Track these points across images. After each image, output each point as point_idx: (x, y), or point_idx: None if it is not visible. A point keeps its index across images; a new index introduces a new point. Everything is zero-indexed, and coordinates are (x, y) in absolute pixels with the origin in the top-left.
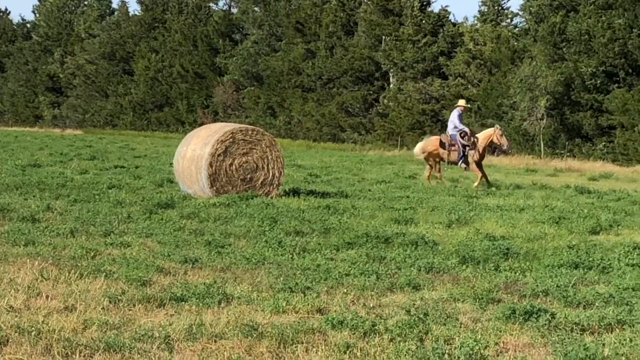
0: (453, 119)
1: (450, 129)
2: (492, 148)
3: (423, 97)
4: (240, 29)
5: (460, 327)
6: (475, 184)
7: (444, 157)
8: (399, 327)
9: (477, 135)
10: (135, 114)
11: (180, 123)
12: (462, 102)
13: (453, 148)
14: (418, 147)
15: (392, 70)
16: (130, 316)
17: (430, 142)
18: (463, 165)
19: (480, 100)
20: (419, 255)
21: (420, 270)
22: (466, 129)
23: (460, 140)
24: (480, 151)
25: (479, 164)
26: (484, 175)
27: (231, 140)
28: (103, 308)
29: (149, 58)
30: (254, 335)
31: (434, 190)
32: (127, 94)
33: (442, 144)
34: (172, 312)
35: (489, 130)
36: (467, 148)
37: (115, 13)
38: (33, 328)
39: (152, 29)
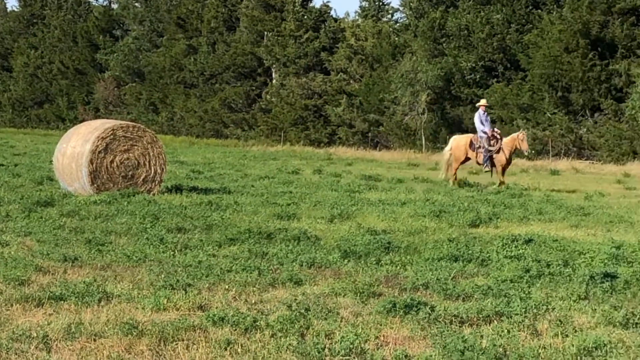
0: (475, 121)
1: (479, 132)
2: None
3: (305, 92)
4: (121, 25)
5: (341, 321)
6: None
7: (472, 158)
8: (280, 322)
9: (503, 139)
10: (14, 111)
11: (60, 120)
12: (483, 102)
13: (480, 150)
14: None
15: (274, 65)
16: (7, 316)
17: (455, 142)
18: (487, 168)
19: (362, 96)
20: (301, 251)
21: (302, 265)
22: (487, 131)
23: (485, 144)
24: (507, 155)
25: (503, 169)
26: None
27: (112, 137)
28: None
29: (28, 54)
30: (134, 333)
31: (316, 185)
32: (6, 90)
33: (471, 145)
34: (50, 311)
35: (514, 135)
36: (492, 151)
37: None
38: None
39: (31, 25)
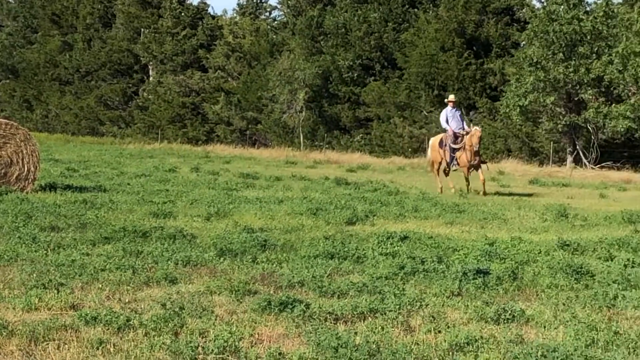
0: (440, 119)
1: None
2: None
3: (183, 90)
4: None
5: (216, 319)
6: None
7: (442, 157)
8: (154, 321)
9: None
10: None
11: None
12: (450, 97)
13: (446, 148)
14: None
15: (151, 63)
16: None
17: (431, 142)
18: (453, 167)
19: (240, 93)
20: (177, 249)
21: (177, 263)
22: (448, 128)
23: (450, 142)
24: (468, 155)
25: (467, 168)
26: (466, 178)
27: (2, 134)
28: None
29: None
30: (4, 333)
31: (193, 183)
32: None
33: (441, 143)
34: None
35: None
36: (455, 150)
37: None
38: None
39: None
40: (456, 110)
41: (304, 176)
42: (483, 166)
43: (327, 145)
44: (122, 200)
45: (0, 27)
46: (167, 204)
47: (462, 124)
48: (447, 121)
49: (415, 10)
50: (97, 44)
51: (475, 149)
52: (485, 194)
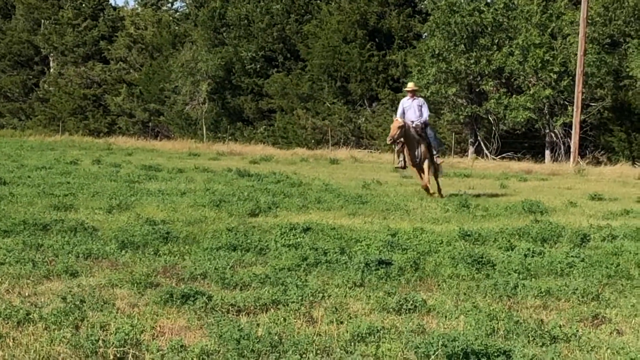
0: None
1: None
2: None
3: (84, 81)
4: None
5: (117, 312)
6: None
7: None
8: (54, 315)
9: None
10: None
11: None
12: (409, 85)
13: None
14: None
15: (52, 54)
16: None
17: None
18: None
19: (142, 85)
20: (78, 242)
21: (78, 256)
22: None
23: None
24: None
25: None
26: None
27: None
28: None
29: None
30: None
31: (95, 175)
32: None
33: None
34: None
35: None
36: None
37: None
38: None
39: None
40: (414, 99)
41: (207, 168)
42: (426, 164)
43: (230, 137)
44: (22, 193)
45: None
46: (68, 196)
47: (422, 115)
48: (403, 113)
49: (318, 1)
50: None
51: (390, 141)
52: (436, 194)
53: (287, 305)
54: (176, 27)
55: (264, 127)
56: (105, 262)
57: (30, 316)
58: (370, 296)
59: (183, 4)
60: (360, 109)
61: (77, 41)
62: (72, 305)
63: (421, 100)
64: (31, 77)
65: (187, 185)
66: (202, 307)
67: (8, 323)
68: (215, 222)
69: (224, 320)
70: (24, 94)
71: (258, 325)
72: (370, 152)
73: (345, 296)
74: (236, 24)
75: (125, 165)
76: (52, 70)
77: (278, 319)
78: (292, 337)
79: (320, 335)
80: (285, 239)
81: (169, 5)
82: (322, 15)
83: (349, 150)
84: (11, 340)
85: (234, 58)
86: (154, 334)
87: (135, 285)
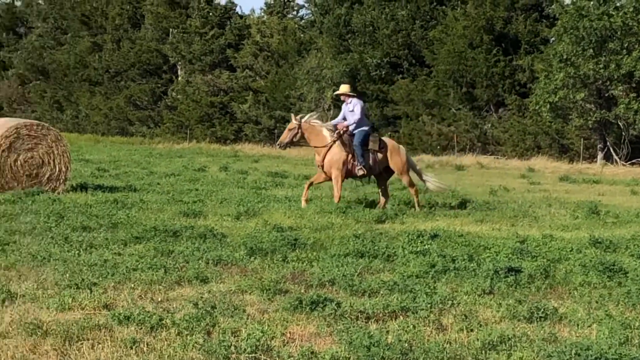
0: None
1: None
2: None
3: (211, 89)
4: (25, 22)
5: (248, 318)
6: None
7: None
8: (186, 320)
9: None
10: None
11: None
12: (341, 88)
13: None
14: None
15: (180, 62)
16: None
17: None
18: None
19: (268, 92)
20: (208, 248)
21: (208, 263)
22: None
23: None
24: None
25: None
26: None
27: (16, 135)
28: None
29: None
30: (39, 333)
31: (222, 182)
32: None
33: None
34: None
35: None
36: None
37: None
38: None
39: None
40: (347, 104)
41: None
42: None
43: None
44: (152, 200)
45: (30, 29)
46: (197, 203)
47: (355, 118)
48: (344, 119)
49: (443, 7)
50: (126, 45)
51: (279, 146)
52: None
53: (416, 312)
54: (301, 35)
55: (389, 133)
56: (235, 268)
57: (163, 322)
58: (500, 304)
59: (308, 12)
60: (486, 114)
61: (204, 49)
62: (204, 311)
63: (353, 103)
64: (159, 85)
65: (313, 192)
66: (331, 313)
67: (142, 328)
68: (342, 228)
69: (353, 327)
70: (152, 102)
71: (387, 332)
72: (497, 158)
73: (474, 303)
74: (361, 31)
75: (252, 172)
76: (180, 78)
77: (407, 326)
78: (422, 344)
79: (450, 343)
80: (412, 246)
81: (295, 12)
82: (447, 20)
83: (474, 157)
84: (145, 345)
85: (359, 65)
86: (285, 340)
87: (265, 291)
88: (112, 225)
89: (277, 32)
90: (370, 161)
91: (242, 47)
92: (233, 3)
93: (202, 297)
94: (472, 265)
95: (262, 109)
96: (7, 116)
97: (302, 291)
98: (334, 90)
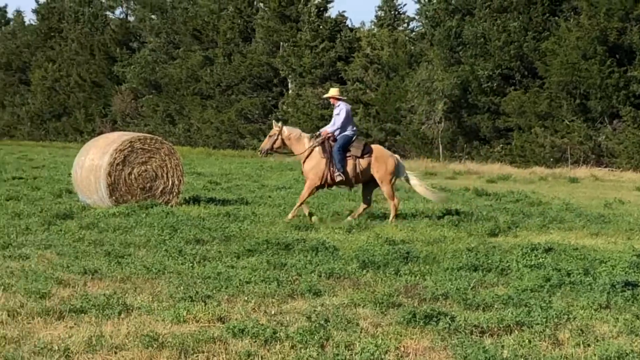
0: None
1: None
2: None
3: (322, 102)
4: (138, 37)
5: (361, 332)
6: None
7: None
8: (300, 333)
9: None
10: (32, 124)
11: (78, 132)
12: (330, 91)
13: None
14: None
15: (290, 76)
16: (29, 329)
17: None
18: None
19: (378, 105)
20: (320, 261)
21: (320, 276)
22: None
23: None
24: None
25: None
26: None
27: (130, 149)
28: (1, 322)
29: (45, 68)
30: (155, 345)
31: (334, 195)
32: (24, 104)
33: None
34: (71, 324)
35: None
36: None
37: (11, 23)
38: None
39: (49, 39)
40: (335, 108)
41: (444, 187)
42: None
43: (466, 156)
44: (264, 213)
45: (143, 44)
46: (309, 216)
47: (333, 124)
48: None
49: (556, 18)
50: (237, 58)
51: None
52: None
53: (532, 326)
54: (412, 47)
55: (501, 145)
56: (347, 281)
57: (277, 335)
58: (617, 318)
59: (419, 24)
60: (600, 126)
61: (314, 63)
62: (317, 324)
63: (339, 107)
64: (270, 98)
65: (425, 205)
66: (445, 327)
67: (256, 341)
68: (455, 242)
69: (468, 341)
70: (263, 115)
71: (503, 346)
72: (611, 170)
73: (590, 318)
74: (472, 43)
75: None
76: (290, 91)
77: (523, 341)
78: (538, 359)
79: (567, 358)
80: (526, 260)
81: (405, 25)
82: (560, 31)
83: (588, 169)
84: (259, 358)
85: (470, 76)
86: (399, 354)
87: (378, 304)
88: (225, 238)
89: (388, 44)
90: (351, 167)
91: (353, 59)
92: (343, 16)
93: (315, 310)
94: (587, 279)
95: (372, 122)
96: (120, 130)
97: (416, 305)
98: (445, 103)
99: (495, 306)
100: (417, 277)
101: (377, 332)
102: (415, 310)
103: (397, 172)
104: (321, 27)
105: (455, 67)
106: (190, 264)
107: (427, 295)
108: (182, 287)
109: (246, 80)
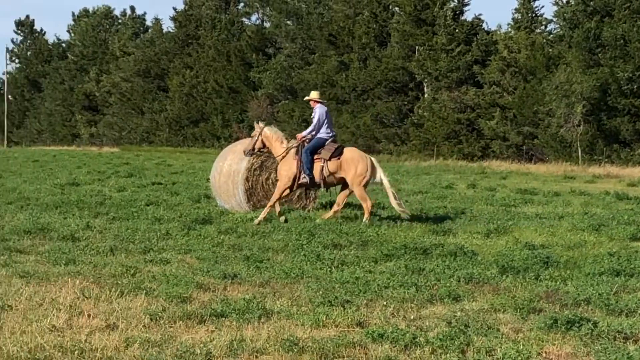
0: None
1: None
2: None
3: (458, 106)
4: (274, 43)
5: (502, 337)
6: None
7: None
8: (440, 339)
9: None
10: (171, 130)
11: (215, 138)
12: (312, 95)
13: None
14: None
15: (426, 80)
16: (171, 333)
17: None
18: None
19: (515, 108)
20: (458, 266)
21: (459, 281)
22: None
23: None
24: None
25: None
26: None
27: (267, 154)
28: (144, 325)
29: (183, 74)
30: (295, 350)
31: (471, 199)
32: (163, 110)
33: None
34: (212, 328)
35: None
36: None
37: (149, 30)
38: (76, 347)
39: (186, 46)
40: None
41: (583, 191)
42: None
43: (606, 159)
44: (401, 217)
45: (279, 49)
46: (446, 220)
47: (311, 126)
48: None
49: None
50: (373, 63)
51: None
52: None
53: None
54: (550, 49)
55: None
56: (487, 286)
57: (417, 340)
58: None
59: (557, 26)
60: None
61: (450, 66)
62: (457, 330)
63: (315, 111)
64: (405, 102)
65: (564, 209)
66: (587, 333)
67: (396, 346)
68: (596, 246)
69: (611, 347)
70: (399, 120)
71: None
72: None
73: None
74: (612, 44)
75: (500, 189)
76: (426, 95)
77: None
78: None
79: None
80: None
81: (543, 27)
82: None
83: None
84: None
85: (610, 79)
86: None
87: (518, 310)
88: (362, 242)
89: (525, 47)
90: (317, 170)
91: (489, 63)
92: (480, 19)
93: (455, 316)
94: None
95: (509, 125)
96: None
97: (557, 310)
98: (583, 106)
99: (639, 312)
100: (558, 282)
101: (518, 337)
102: (557, 316)
103: (370, 174)
104: (457, 30)
105: (594, 69)
106: (329, 269)
107: (569, 301)
108: (320, 292)
109: (381, 85)
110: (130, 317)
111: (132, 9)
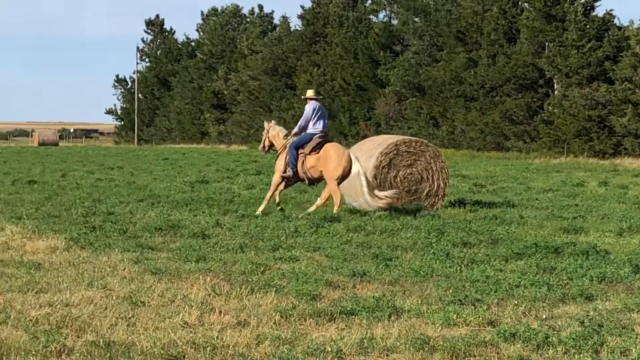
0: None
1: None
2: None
3: (589, 102)
4: (401, 40)
5: (637, 338)
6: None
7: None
8: (573, 338)
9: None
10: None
11: (343, 136)
12: (307, 92)
13: None
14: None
15: (556, 76)
16: (301, 331)
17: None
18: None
19: None
20: (591, 265)
21: (592, 280)
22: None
23: None
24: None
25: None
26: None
27: (395, 152)
28: (275, 323)
29: (310, 72)
30: (426, 348)
31: (602, 198)
32: (290, 108)
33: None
34: (342, 326)
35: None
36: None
37: (277, 29)
38: (208, 344)
39: (314, 43)
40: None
41: None
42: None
43: None
44: (531, 216)
45: (407, 46)
46: (577, 219)
47: (300, 123)
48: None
49: None
50: (502, 60)
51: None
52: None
53: None
54: None
55: None
56: (620, 286)
57: (549, 339)
58: None
59: None
60: None
61: (581, 62)
62: (590, 330)
63: (305, 107)
64: (535, 99)
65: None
66: None
67: (528, 346)
68: None
69: None
70: (528, 117)
71: None
72: None
73: None
74: None
75: (633, 187)
76: (556, 92)
77: None
78: None
79: None
80: None
81: None
82: None
83: None
84: None
85: None
86: None
87: None
88: (492, 241)
89: None
90: (299, 164)
91: (621, 59)
92: (611, 14)
93: (588, 315)
94: None
95: None
96: (384, 133)
97: None
98: None
99: None
100: None
101: None
102: None
103: (346, 169)
104: (588, 26)
105: None
106: (458, 267)
107: None
108: (450, 290)
109: (511, 82)
110: (261, 314)
111: (260, 7)
